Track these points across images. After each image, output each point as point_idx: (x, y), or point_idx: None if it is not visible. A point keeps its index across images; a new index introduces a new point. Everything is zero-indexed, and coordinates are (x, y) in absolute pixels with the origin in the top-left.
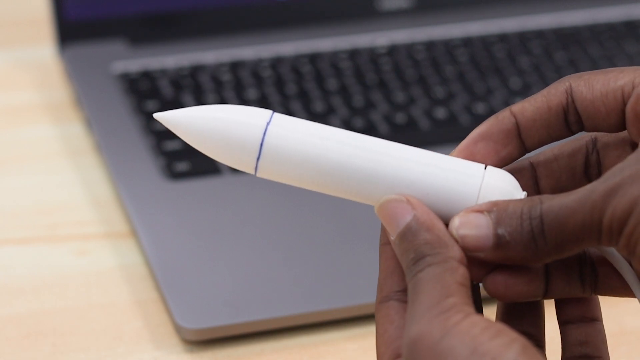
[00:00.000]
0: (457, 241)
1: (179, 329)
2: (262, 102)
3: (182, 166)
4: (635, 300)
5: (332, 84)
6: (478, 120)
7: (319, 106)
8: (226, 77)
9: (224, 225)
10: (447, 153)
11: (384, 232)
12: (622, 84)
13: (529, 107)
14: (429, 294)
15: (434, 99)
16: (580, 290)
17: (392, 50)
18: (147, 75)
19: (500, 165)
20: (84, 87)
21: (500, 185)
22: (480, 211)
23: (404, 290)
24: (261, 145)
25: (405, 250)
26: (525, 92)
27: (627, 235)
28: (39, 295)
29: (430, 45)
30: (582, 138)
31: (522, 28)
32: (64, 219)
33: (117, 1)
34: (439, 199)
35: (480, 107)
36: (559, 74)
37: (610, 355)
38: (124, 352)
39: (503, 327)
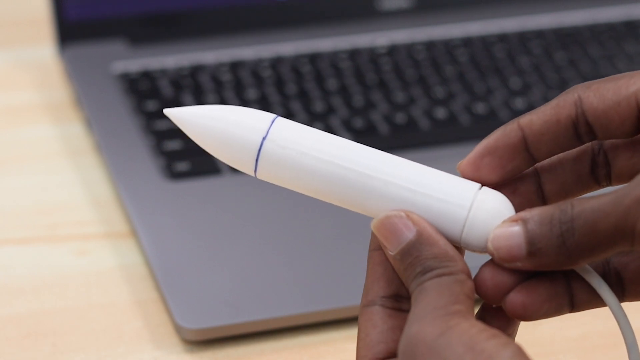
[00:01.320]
0: (492, 254)
1: (179, 329)
2: (262, 102)
3: (182, 166)
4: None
5: (332, 84)
6: (478, 120)
7: (319, 106)
8: (226, 77)
9: (224, 225)
10: (449, 155)
11: (374, 239)
12: (634, 90)
13: (537, 121)
14: (436, 298)
15: (434, 99)
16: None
17: (392, 50)
18: (147, 75)
19: (506, 178)
20: (84, 87)
21: (493, 207)
22: (515, 220)
23: (390, 297)
24: (260, 147)
25: (409, 265)
26: (525, 92)
27: None
28: (39, 295)
29: (430, 45)
30: None
31: (522, 28)
32: (64, 219)
33: (117, 1)
34: (430, 220)
35: (480, 107)
36: (559, 74)
37: (610, 355)
38: (124, 352)
39: (499, 332)
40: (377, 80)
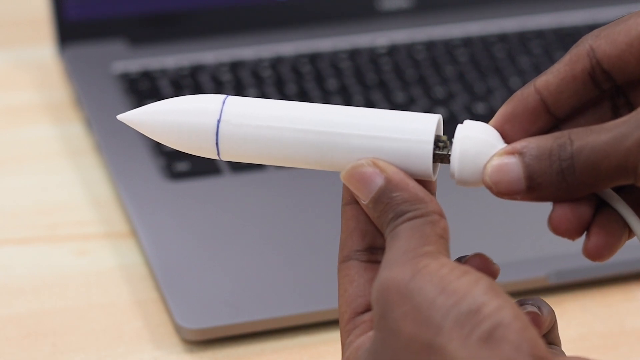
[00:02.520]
0: (490, 188)
1: (179, 329)
2: None
3: (182, 166)
4: (635, 300)
5: (332, 84)
6: (478, 120)
7: None
8: (226, 77)
9: (224, 225)
10: None
11: (346, 192)
12: None
13: (553, 80)
14: (406, 242)
15: (434, 99)
16: None
17: (392, 50)
18: (147, 75)
19: None
20: (84, 87)
21: (481, 139)
22: (512, 153)
23: (364, 250)
24: (217, 129)
25: (382, 212)
26: None
27: None
28: (39, 295)
29: (430, 45)
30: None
31: (522, 28)
32: (64, 219)
33: (117, 1)
34: (398, 163)
35: (480, 107)
36: None
37: (610, 355)
38: (124, 352)
39: (470, 268)
40: (377, 80)
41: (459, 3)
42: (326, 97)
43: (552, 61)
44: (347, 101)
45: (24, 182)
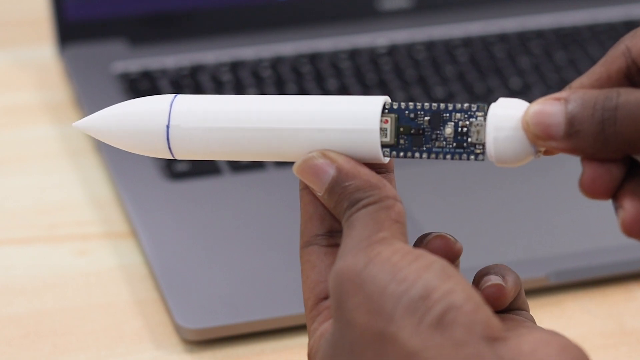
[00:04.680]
0: (528, 129)
1: (178, 329)
2: None
3: (181, 166)
4: (635, 300)
5: (332, 84)
6: None
7: None
8: (226, 77)
9: (224, 225)
10: None
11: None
12: None
13: (587, 82)
14: (361, 230)
15: (434, 99)
16: None
17: (392, 50)
18: (147, 75)
19: None
20: (84, 87)
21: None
22: (557, 99)
23: (324, 234)
24: (167, 134)
25: (337, 202)
26: (525, 92)
27: None
28: (39, 295)
29: (430, 45)
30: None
31: (522, 28)
32: (64, 219)
33: (117, 1)
34: (349, 152)
35: None
36: (559, 74)
37: (610, 355)
38: (123, 352)
39: (424, 252)
40: (377, 80)
41: (459, 3)
42: None
43: (552, 61)
44: None
45: (24, 182)
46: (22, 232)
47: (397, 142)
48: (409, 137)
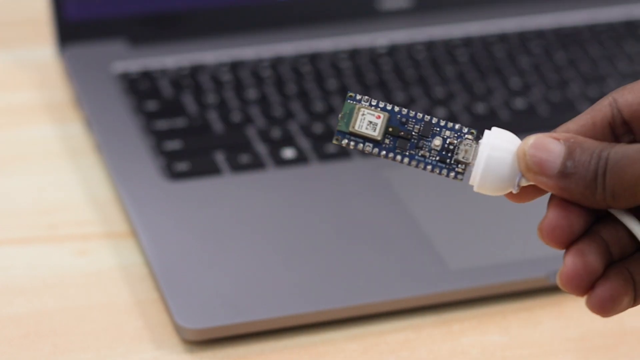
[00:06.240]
0: (521, 159)
1: (179, 329)
2: (262, 102)
3: (182, 166)
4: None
5: (332, 84)
6: (478, 120)
7: (318, 106)
8: (226, 77)
9: (224, 225)
10: None
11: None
12: None
13: (573, 127)
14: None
15: (434, 99)
16: None
17: (392, 50)
18: (147, 75)
19: None
20: (84, 87)
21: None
22: (558, 139)
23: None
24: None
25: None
26: (526, 92)
27: None
28: (39, 295)
29: (430, 45)
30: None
31: (522, 28)
32: (63, 219)
33: (117, 1)
34: None
35: (480, 107)
36: (559, 74)
37: (610, 355)
38: (124, 352)
39: None
40: (377, 80)
41: (459, 3)
42: (326, 97)
43: (552, 61)
44: None
45: (24, 182)
46: (21, 232)
47: (382, 140)
48: (395, 138)
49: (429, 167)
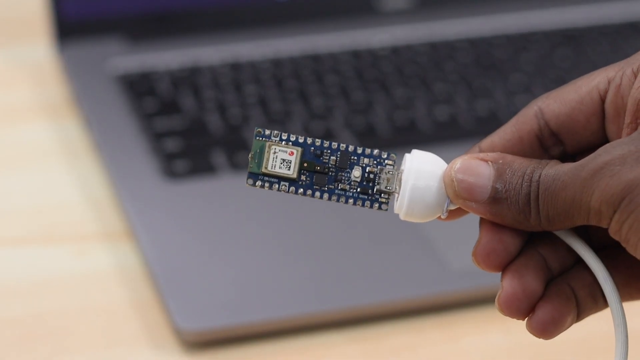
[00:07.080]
0: (449, 185)
1: (177, 331)
2: (262, 102)
3: (180, 166)
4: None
5: (332, 84)
6: (479, 120)
7: (319, 106)
8: (225, 76)
9: (223, 225)
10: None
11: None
12: (595, 83)
13: (498, 142)
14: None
15: (434, 99)
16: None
17: (393, 50)
18: (145, 74)
19: None
20: (81, 86)
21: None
22: (485, 160)
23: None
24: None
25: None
26: (526, 91)
27: (619, 222)
28: (37, 296)
29: (430, 45)
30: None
31: (523, 28)
32: (61, 219)
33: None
34: None
35: (480, 107)
36: (559, 74)
37: (610, 355)
38: (122, 353)
39: None
40: (377, 80)
41: (459, 3)
42: (326, 97)
43: (552, 61)
44: (347, 101)
45: (21, 183)
46: (19, 233)
47: (299, 178)
48: (312, 174)
49: (351, 200)
